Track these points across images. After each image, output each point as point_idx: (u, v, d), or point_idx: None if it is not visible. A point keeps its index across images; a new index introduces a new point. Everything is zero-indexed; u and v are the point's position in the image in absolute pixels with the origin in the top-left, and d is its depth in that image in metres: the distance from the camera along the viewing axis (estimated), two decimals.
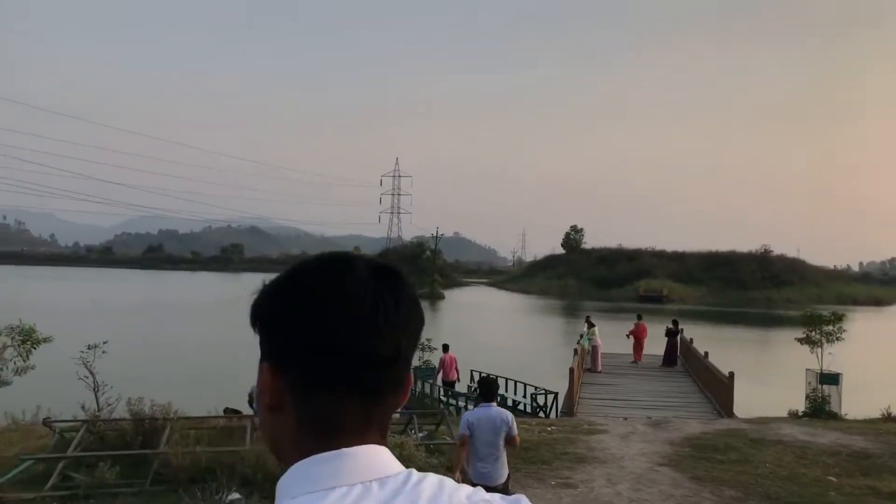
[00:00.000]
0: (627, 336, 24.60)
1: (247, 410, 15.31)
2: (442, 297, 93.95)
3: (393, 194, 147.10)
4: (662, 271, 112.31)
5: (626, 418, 14.78)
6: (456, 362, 20.35)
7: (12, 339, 13.49)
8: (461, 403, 18.68)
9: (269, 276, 0.98)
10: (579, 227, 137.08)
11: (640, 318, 25.37)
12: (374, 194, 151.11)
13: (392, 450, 0.82)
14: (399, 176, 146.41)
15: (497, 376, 23.71)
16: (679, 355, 24.47)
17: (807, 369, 16.31)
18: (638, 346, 24.64)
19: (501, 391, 22.47)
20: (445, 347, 20.27)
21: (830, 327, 15.94)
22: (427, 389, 20.10)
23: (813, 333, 16.14)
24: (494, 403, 6.54)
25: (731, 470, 9.77)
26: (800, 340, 16.55)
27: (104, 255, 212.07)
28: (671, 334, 24.37)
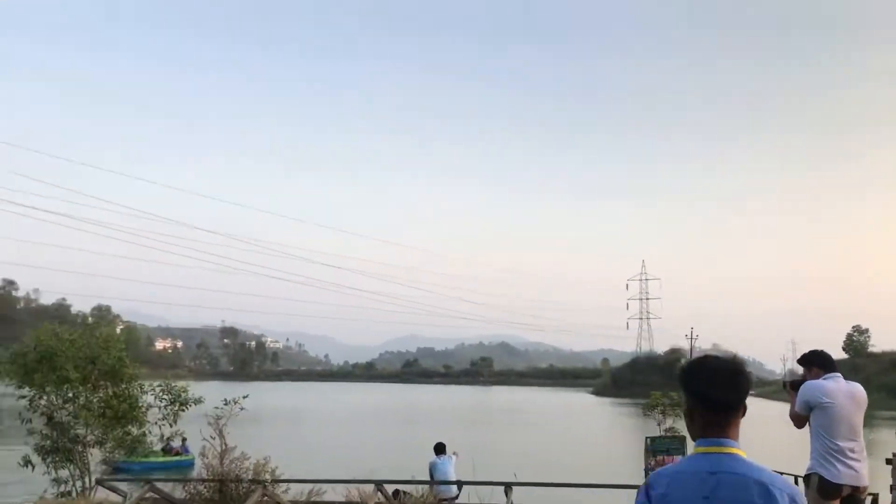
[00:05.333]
0: None
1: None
2: None
3: (641, 299, 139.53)
4: None
5: None
6: None
7: (157, 397, 11.83)
8: None
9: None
10: (864, 327, 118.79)
11: None
12: (621, 299, 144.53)
13: None
14: (646, 279, 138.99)
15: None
16: None
17: None
18: None
19: None
20: None
21: None
22: None
23: None
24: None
25: None
26: None
27: (367, 371, 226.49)
28: None
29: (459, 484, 11.99)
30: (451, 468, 12.03)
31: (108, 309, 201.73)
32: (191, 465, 28.63)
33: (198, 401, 12.14)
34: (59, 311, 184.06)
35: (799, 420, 5.48)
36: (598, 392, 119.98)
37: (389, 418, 57.99)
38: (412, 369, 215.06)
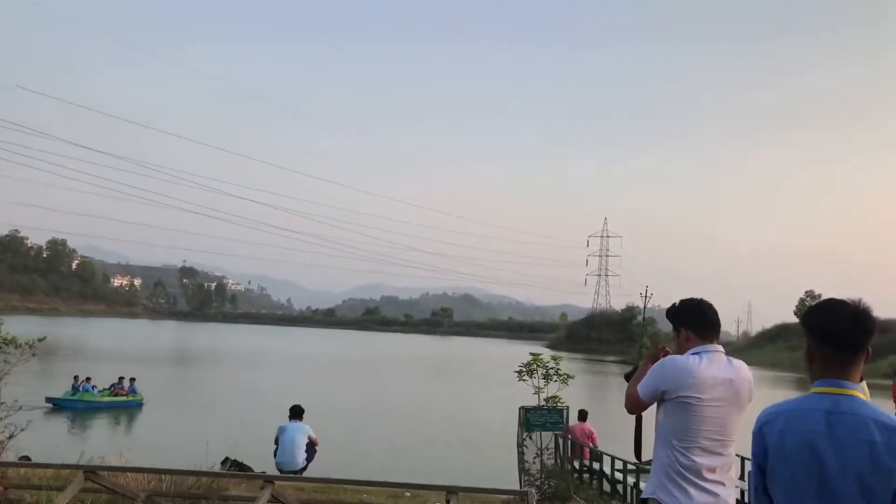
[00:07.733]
0: None
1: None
2: None
3: (601, 255, 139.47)
4: None
5: None
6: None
7: None
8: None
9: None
10: (816, 292, 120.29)
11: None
12: (582, 256, 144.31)
13: None
14: (608, 236, 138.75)
15: None
16: None
17: None
18: None
19: None
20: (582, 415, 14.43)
21: None
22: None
23: None
24: None
25: None
26: None
27: (327, 317, 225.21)
28: None
29: (310, 455, 10.50)
30: (301, 437, 10.48)
31: (63, 242, 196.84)
32: (140, 405, 26.26)
33: (10, 341, 10.47)
34: (12, 244, 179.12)
35: (634, 402, 3.43)
36: (553, 346, 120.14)
37: (321, 366, 55.46)
38: (373, 317, 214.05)
